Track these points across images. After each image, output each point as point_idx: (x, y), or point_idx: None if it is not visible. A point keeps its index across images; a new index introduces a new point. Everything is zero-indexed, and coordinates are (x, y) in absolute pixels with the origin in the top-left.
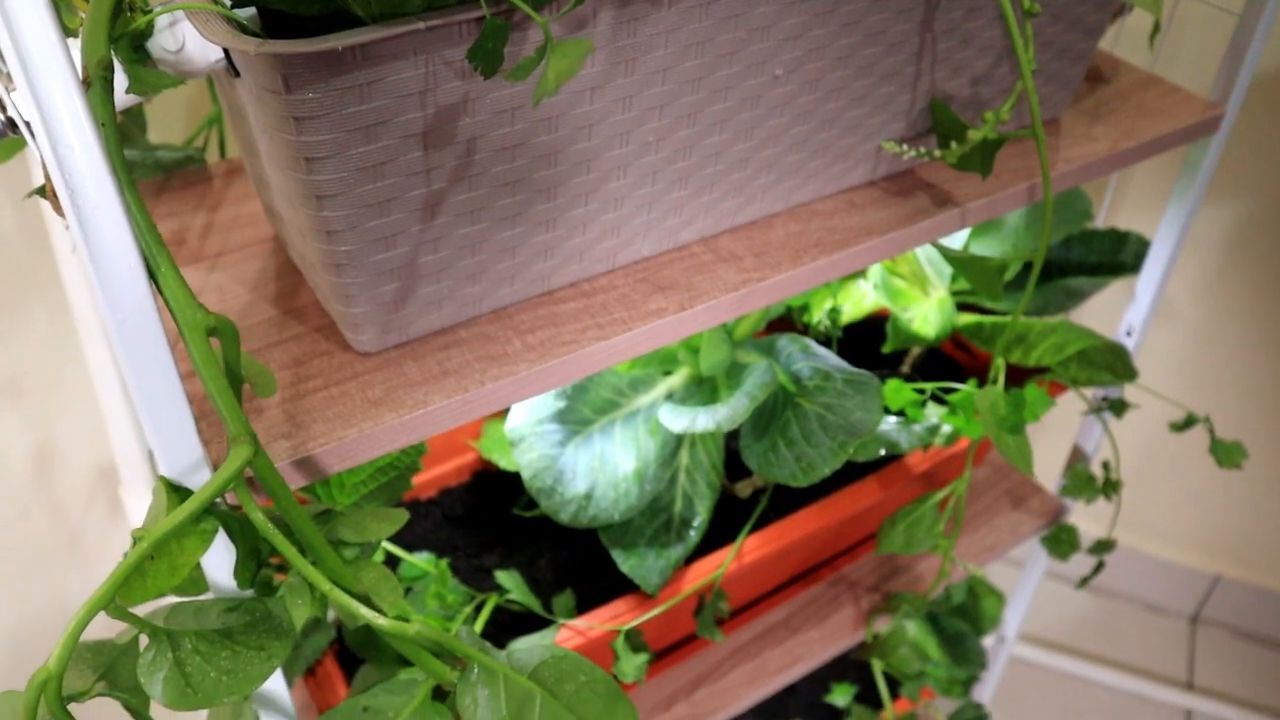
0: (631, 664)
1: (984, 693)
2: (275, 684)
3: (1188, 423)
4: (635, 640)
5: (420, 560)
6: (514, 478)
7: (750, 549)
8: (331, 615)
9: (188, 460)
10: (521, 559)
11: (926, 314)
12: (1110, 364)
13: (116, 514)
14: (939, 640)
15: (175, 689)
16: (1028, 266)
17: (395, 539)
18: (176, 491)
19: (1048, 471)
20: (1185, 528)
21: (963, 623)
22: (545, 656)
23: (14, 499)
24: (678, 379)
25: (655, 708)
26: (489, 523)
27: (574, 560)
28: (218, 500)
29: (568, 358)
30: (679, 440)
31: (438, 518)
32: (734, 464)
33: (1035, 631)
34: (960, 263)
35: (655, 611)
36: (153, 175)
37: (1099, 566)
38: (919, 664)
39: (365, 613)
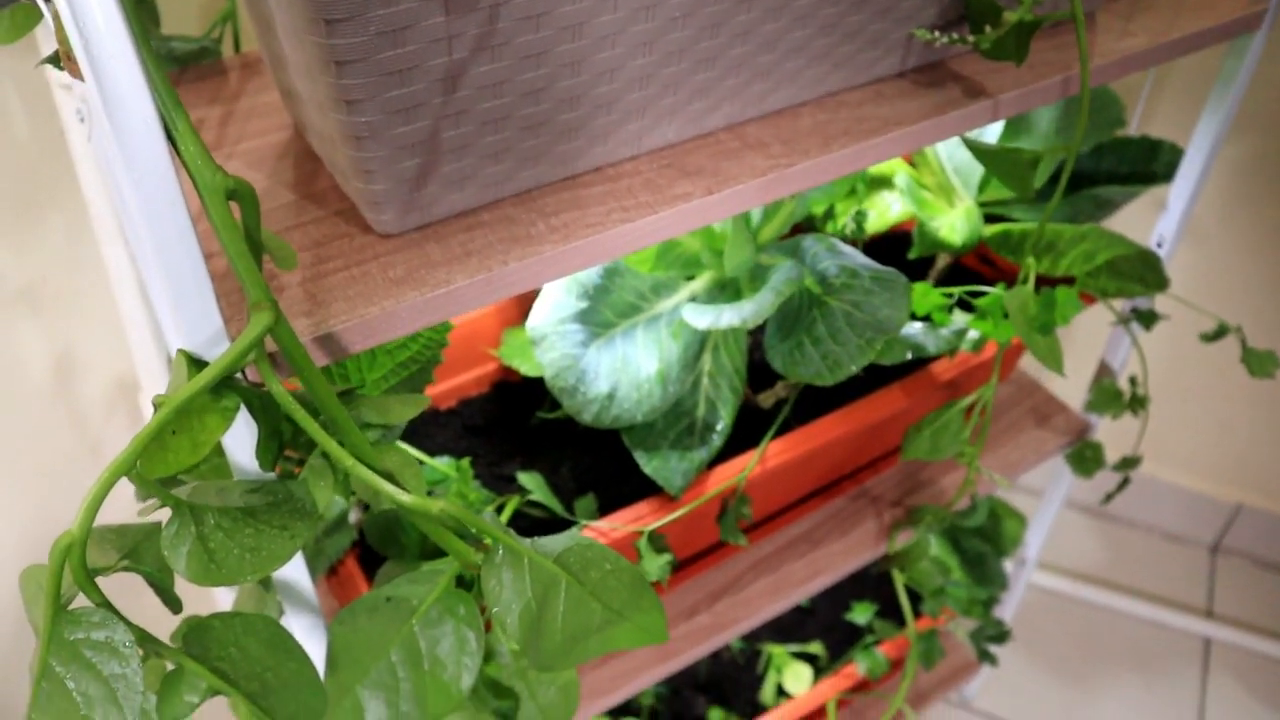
0: (655, 564)
1: (1003, 617)
2: (299, 576)
3: (1219, 333)
4: (658, 542)
5: (441, 464)
6: (534, 388)
7: (774, 453)
8: (354, 516)
9: (207, 332)
10: (543, 467)
11: (953, 222)
12: (1140, 274)
13: (137, 424)
14: (960, 561)
15: (199, 563)
16: (1056, 178)
17: (415, 446)
18: (196, 365)
19: (1072, 391)
20: (1207, 456)
21: (983, 544)
22: (570, 544)
23: (35, 409)
24: (700, 284)
25: (677, 617)
26: (509, 432)
27: (595, 468)
28: (239, 377)
29: (593, 239)
30: (702, 344)
31: (457, 427)
32: (756, 375)
33: (1054, 560)
34: (990, 156)
35: (679, 513)
36: (167, 68)
37: (1124, 482)
38: (940, 578)
39: (389, 489)
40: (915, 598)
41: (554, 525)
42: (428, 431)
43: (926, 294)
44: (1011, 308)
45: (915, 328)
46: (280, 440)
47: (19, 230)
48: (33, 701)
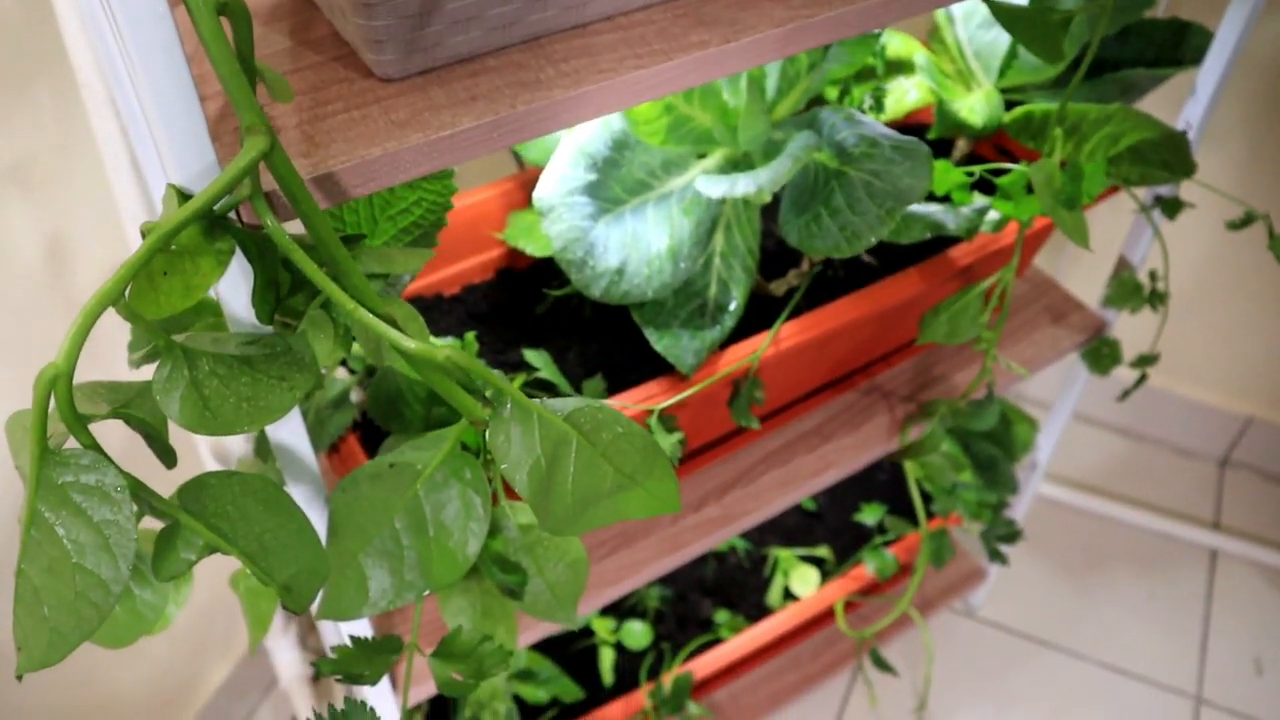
0: (666, 442)
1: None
2: (300, 443)
3: (1245, 221)
4: (669, 422)
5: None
6: (539, 275)
7: (788, 335)
8: (355, 396)
9: (199, 166)
10: (549, 353)
11: (973, 105)
12: (1165, 159)
13: None
14: (971, 464)
15: (193, 410)
16: (1078, 62)
17: None
18: (186, 199)
19: (1088, 290)
20: (1218, 369)
21: (994, 448)
22: (580, 405)
23: (27, 293)
24: (712, 161)
25: (685, 508)
26: (514, 320)
27: (603, 355)
28: (234, 218)
29: (605, 84)
30: (714, 222)
31: (461, 314)
32: (768, 263)
33: (1062, 472)
34: (1017, 18)
35: (690, 391)
36: None
37: (1141, 379)
38: (952, 474)
39: (393, 334)
40: (925, 500)
41: None
42: (431, 318)
43: (947, 172)
44: (1037, 181)
45: (934, 207)
46: (277, 291)
47: (5, 107)
48: (23, 551)
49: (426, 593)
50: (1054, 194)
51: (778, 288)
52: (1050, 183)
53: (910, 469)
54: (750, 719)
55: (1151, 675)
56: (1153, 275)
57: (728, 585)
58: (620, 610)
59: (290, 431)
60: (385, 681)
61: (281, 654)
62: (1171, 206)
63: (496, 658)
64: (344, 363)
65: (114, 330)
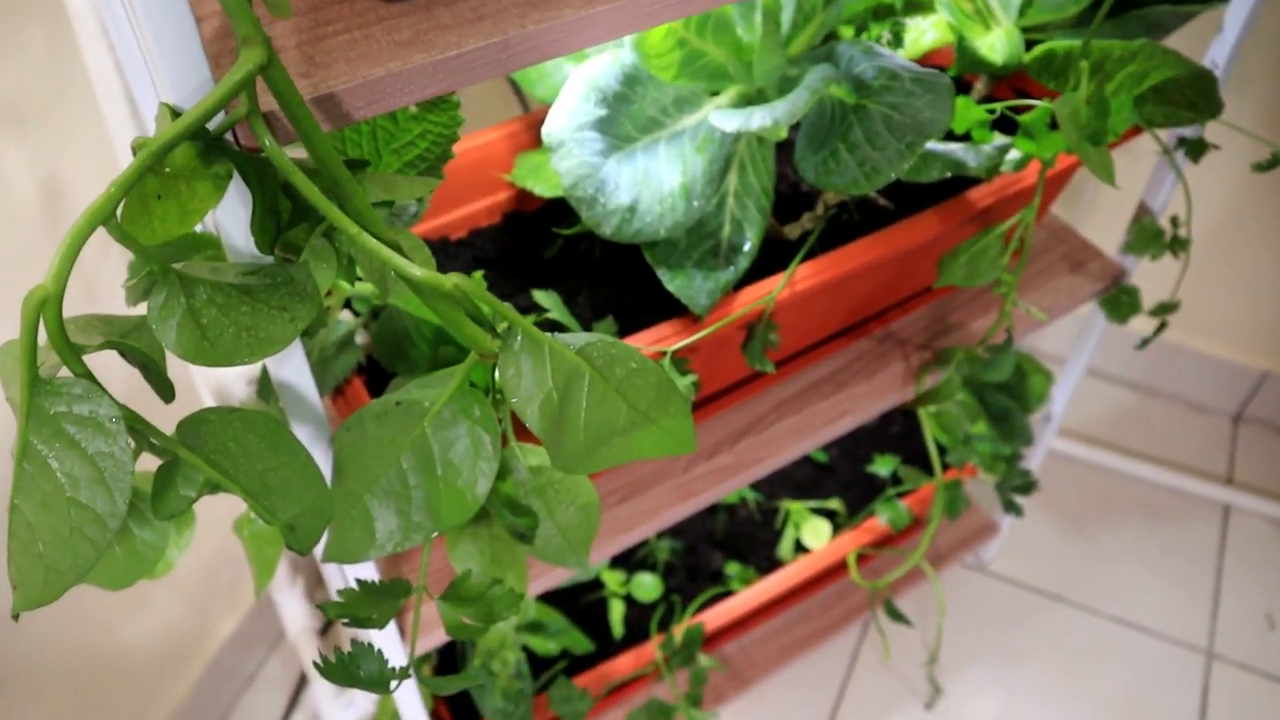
0: (679, 384)
1: None
2: (304, 384)
3: (1272, 162)
4: (682, 365)
5: None
6: (547, 219)
7: (803, 277)
8: (360, 338)
9: (194, 85)
10: (558, 297)
11: (993, 42)
12: (1191, 99)
13: (130, 256)
14: (985, 416)
15: (190, 339)
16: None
17: None
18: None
19: (1107, 239)
20: (1234, 322)
21: (1009, 400)
22: (592, 339)
23: (23, 238)
24: (725, 99)
25: (697, 455)
26: (522, 264)
27: (613, 298)
28: (230, 140)
29: (618, 4)
30: (727, 161)
31: (468, 259)
32: (782, 208)
33: (1075, 427)
34: None
35: (705, 332)
36: None
37: (1161, 326)
38: (967, 424)
39: (398, 261)
40: (939, 451)
41: None
42: (437, 262)
43: (967, 109)
44: (1062, 115)
45: (954, 146)
46: (278, 220)
47: None
48: (15, 485)
49: (435, 534)
50: (1079, 128)
51: (792, 231)
52: (1076, 117)
53: (925, 418)
54: (760, 672)
55: (1163, 630)
56: (1174, 221)
57: (738, 538)
58: (630, 563)
59: (293, 370)
60: (393, 630)
61: (288, 607)
62: (1196, 148)
63: (507, 601)
64: (349, 305)
65: (112, 275)
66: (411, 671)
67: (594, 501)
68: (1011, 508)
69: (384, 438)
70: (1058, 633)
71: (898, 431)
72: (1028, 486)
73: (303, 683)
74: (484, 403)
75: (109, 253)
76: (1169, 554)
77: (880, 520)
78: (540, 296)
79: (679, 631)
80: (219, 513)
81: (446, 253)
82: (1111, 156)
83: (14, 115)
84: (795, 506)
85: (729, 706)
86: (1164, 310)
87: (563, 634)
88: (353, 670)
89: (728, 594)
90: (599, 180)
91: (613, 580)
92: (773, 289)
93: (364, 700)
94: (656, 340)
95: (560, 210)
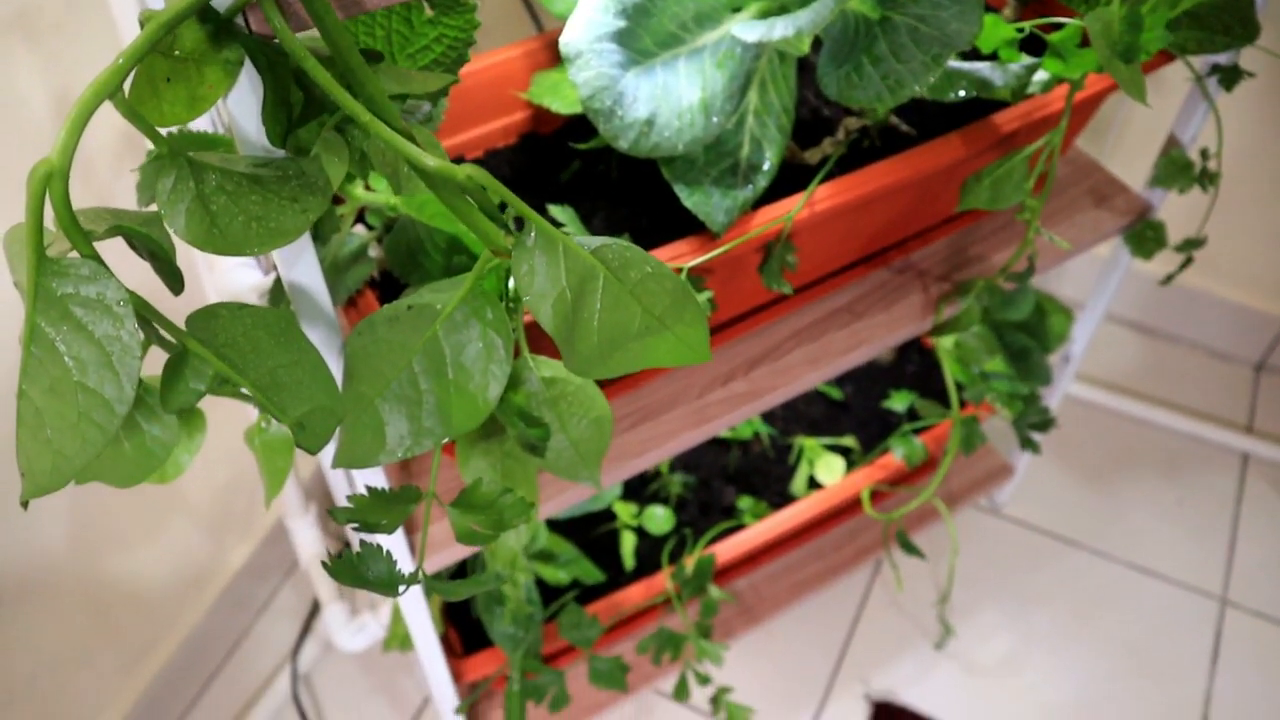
0: None
1: None
2: (316, 286)
3: None
4: (698, 282)
5: None
6: (565, 139)
7: (823, 197)
8: (374, 252)
9: None
10: (574, 212)
11: None
12: (1226, 23)
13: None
14: (1004, 354)
15: (199, 225)
16: None
17: None
18: None
19: (1134, 174)
20: (1260, 269)
21: (1028, 339)
22: (608, 242)
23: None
24: (746, 14)
25: (712, 382)
26: (538, 185)
27: (630, 218)
28: (241, 24)
29: None
30: (748, 78)
31: None
32: (803, 133)
33: (1094, 373)
34: None
35: (722, 249)
36: None
37: (1187, 262)
38: (986, 357)
39: (411, 150)
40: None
41: None
42: None
43: (995, 27)
44: (1094, 30)
45: (980, 65)
46: (289, 113)
47: None
48: (23, 370)
49: (445, 441)
50: (1111, 44)
51: (812, 156)
52: (1108, 31)
53: (942, 352)
54: (771, 608)
55: (1177, 576)
56: (1204, 153)
57: (751, 473)
58: (642, 496)
59: (304, 271)
60: (404, 548)
61: (301, 535)
62: (1230, 76)
63: (517, 509)
64: (362, 220)
65: (126, 192)
66: (422, 576)
67: (606, 415)
68: (1029, 445)
69: (395, 341)
70: (1071, 577)
71: (914, 370)
72: (1045, 424)
73: (315, 611)
74: (497, 305)
75: (122, 168)
76: (1185, 502)
77: (895, 455)
78: (556, 211)
79: (691, 561)
80: (233, 440)
81: None
82: (1143, 76)
83: (26, 24)
84: (809, 443)
85: (739, 641)
86: (1190, 246)
87: (574, 564)
88: (360, 570)
89: (739, 528)
90: (617, 92)
91: (624, 512)
92: (791, 209)
93: (375, 627)
94: (673, 257)
95: (577, 132)
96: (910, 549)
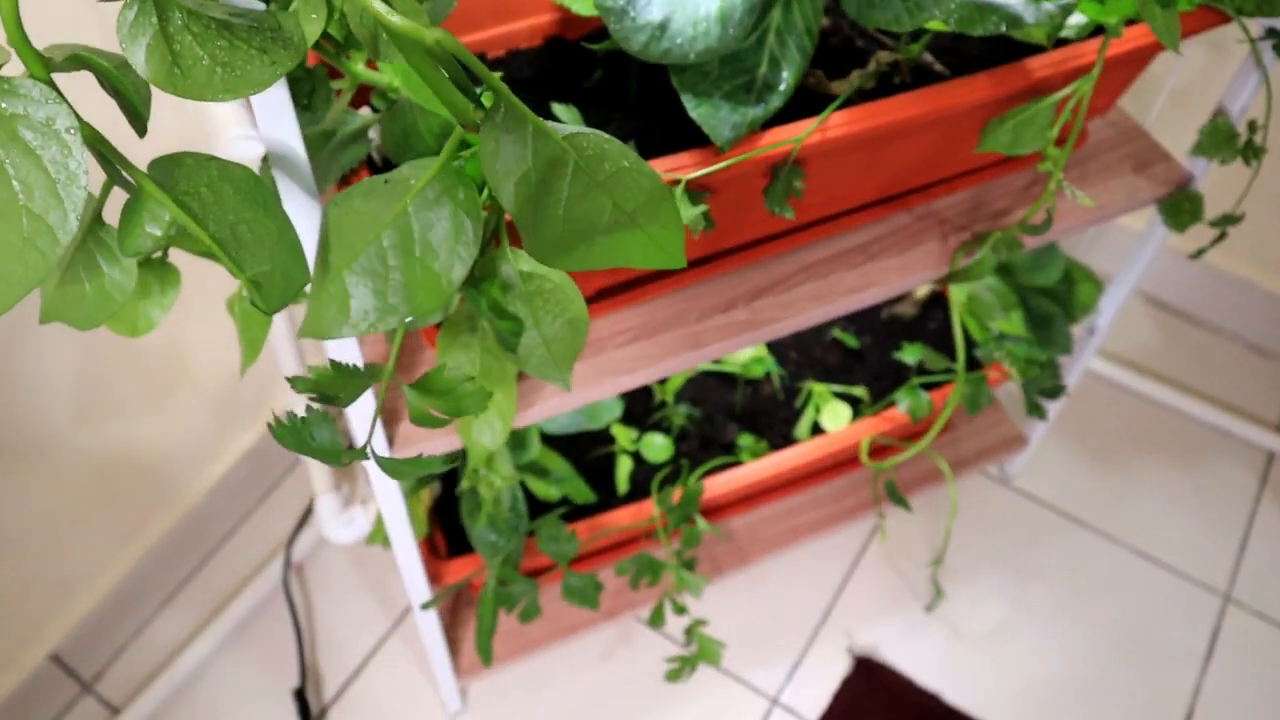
0: (688, 213)
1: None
2: (297, 154)
3: None
4: (696, 197)
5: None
6: (588, 49)
7: (837, 124)
8: (374, 134)
9: None
10: (587, 124)
11: None
12: None
13: None
14: (1026, 319)
15: (160, 63)
16: None
17: None
18: None
19: (1181, 143)
20: None
21: (1054, 305)
22: (584, 130)
23: None
24: None
25: (712, 308)
26: (557, 91)
27: (643, 131)
28: None
29: None
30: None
31: (503, 78)
32: (833, 62)
33: (1121, 352)
34: None
35: (722, 164)
36: None
37: (1220, 237)
38: (1000, 312)
39: (377, 8)
40: (970, 345)
41: None
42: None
43: None
44: None
45: (1014, 1)
46: None
47: None
48: None
49: (409, 320)
50: None
51: (839, 87)
52: None
53: (955, 305)
54: (764, 550)
55: (1182, 568)
56: (1251, 125)
57: (757, 413)
58: (645, 424)
59: (283, 136)
60: (381, 437)
61: None
62: None
63: (476, 398)
64: (369, 103)
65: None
66: (370, 451)
67: (582, 317)
68: (1035, 410)
69: (368, 214)
70: (1073, 556)
71: (935, 326)
72: (1056, 390)
73: (312, 507)
74: (470, 187)
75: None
76: (1202, 494)
77: (899, 408)
78: (559, 109)
79: (678, 491)
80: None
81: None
82: (1178, 23)
83: None
84: (819, 388)
85: (729, 579)
86: (1225, 222)
87: (566, 481)
88: (304, 436)
89: (736, 464)
90: None
91: (623, 436)
92: (802, 131)
93: (363, 522)
94: (673, 168)
95: (603, 38)
96: (899, 500)
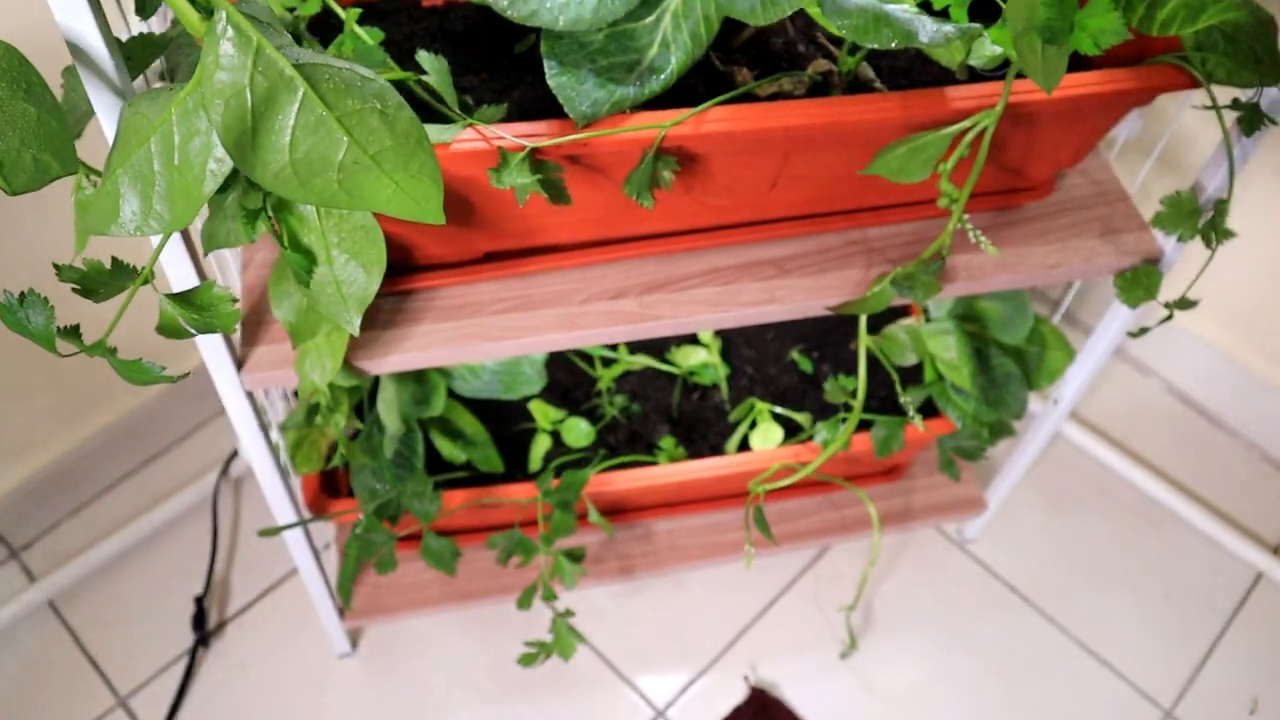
0: (521, 177)
1: (1020, 458)
2: (97, 48)
3: None
4: (548, 169)
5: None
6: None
7: (718, 118)
8: None
9: None
10: (494, 89)
11: None
12: (1257, 54)
13: None
14: (981, 374)
15: None
16: None
17: (382, 29)
18: None
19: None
20: None
21: (1015, 366)
22: (330, 62)
23: None
24: None
25: (600, 293)
26: (485, 50)
27: (549, 101)
28: None
29: None
30: None
31: (433, 26)
32: (769, 66)
33: (1120, 434)
34: None
35: (570, 138)
36: None
37: (1167, 318)
38: (911, 354)
39: None
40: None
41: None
42: (398, 20)
43: None
44: (1018, 0)
45: (912, 14)
46: None
47: None
48: None
49: (174, 229)
50: (1028, 16)
51: (764, 89)
52: (1028, 4)
53: (863, 339)
54: (680, 560)
55: (1129, 674)
56: (1218, 205)
57: (696, 420)
58: (579, 408)
59: (82, 25)
60: (230, 364)
61: None
62: (1250, 121)
63: (228, 318)
64: None
65: None
66: (104, 350)
67: (379, 263)
68: (948, 466)
69: (146, 118)
70: (1014, 636)
71: (900, 364)
72: (974, 452)
73: None
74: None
75: None
76: (1172, 601)
77: (816, 439)
78: (424, 58)
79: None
80: None
81: (413, 14)
82: (1063, 62)
83: None
84: (761, 406)
85: (644, 583)
86: (1180, 306)
87: (477, 448)
88: (20, 318)
89: (650, 464)
90: None
91: (541, 414)
92: (676, 116)
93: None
94: (525, 134)
95: None
96: (763, 527)
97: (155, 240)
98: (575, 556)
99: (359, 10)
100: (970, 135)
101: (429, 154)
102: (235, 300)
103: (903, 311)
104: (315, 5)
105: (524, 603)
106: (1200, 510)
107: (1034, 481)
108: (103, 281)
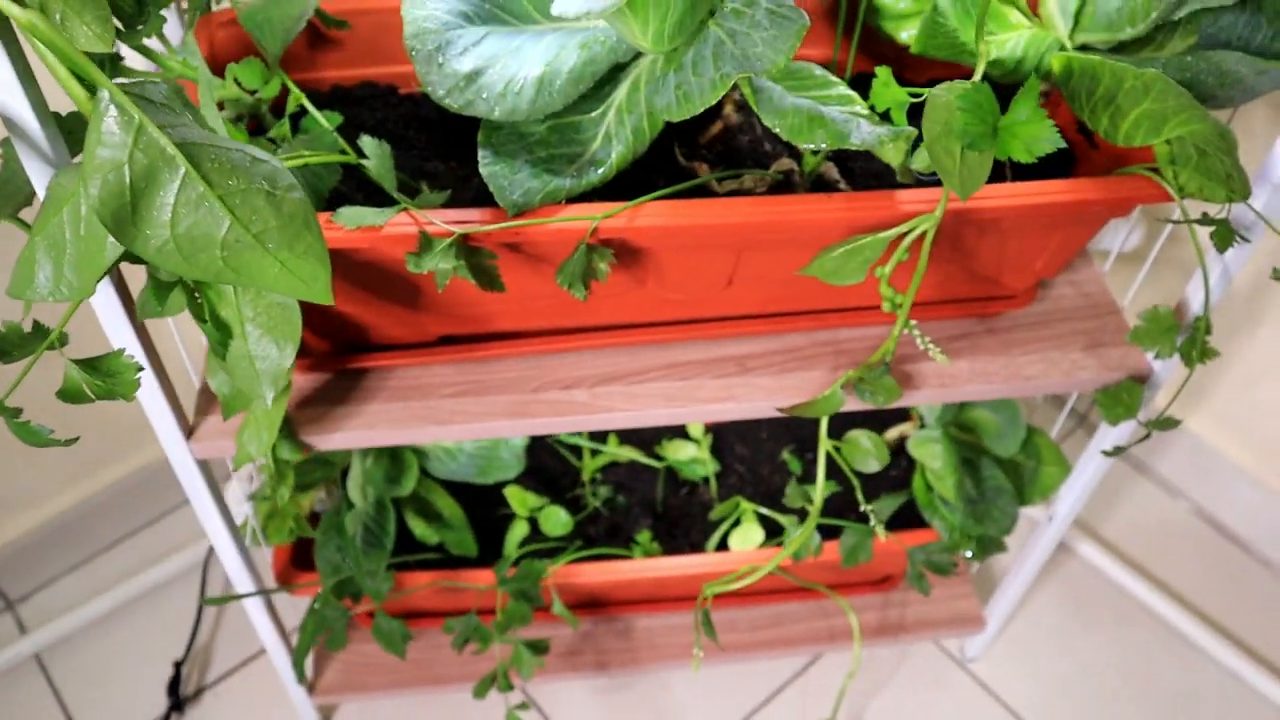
0: (447, 263)
1: (1019, 575)
2: (25, 116)
3: None
4: (476, 257)
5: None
6: None
7: (653, 212)
8: None
9: None
10: (459, 176)
11: (1007, 40)
12: (1226, 170)
13: None
14: (969, 484)
15: None
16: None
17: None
18: None
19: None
20: None
21: (1006, 480)
22: (217, 142)
23: None
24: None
25: (552, 382)
26: (456, 139)
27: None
28: None
29: None
30: (619, 71)
31: (409, 112)
32: (733, 164)
33: (1141, 558)
34: None
35: (498, 225)
36: None
37: (1144, 437)
38: (873, 462)
39: None
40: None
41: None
42: (373, 106)
43: (887, 86)
44: (934, 103)
45: (846, 115)
46: None
47: None
48: None
49: (81, 298)
50: (944, 123)
51: (725, 186)
52: (946, 109)
53: (824, 442)
54: (656, 658)
55: None
56: (1199, 323)
57: (679, 516)
58: (562, 496)
59: (13, 99)
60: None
61: None
62: (1221, 235)
63: (128, 386)
64: None
65: None
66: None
67: (293, 338)
68: (918, 580)
69: (63, 188)
70: None
71: (896, 474)
72: (945, 567)
73: None
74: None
75: None
76: None
77: (785, 546)
78: (366, 143)
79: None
80: None
81: (389, 100)
82: (984, 170)
83: None
84: (746, 506)
85: (624, 679)
86: (1159, 425)
87: (451, 531)
88: None
89: (625, 559)
90: (445, 39)
91: (517, 500)
92: (612, 209)
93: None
94: (456, 220)
95: None
96: (709, 629)
97: (93, 305)
98: (538, 648)
99: (326, 91)
100: (909, 239)
101: (316, 235)
102: (140, 369)
103: (902, 416)
104: (275, 89)
105: (480, 692)
106: (1224, 643)
107: (1045, 600)
108: (17, 344)
